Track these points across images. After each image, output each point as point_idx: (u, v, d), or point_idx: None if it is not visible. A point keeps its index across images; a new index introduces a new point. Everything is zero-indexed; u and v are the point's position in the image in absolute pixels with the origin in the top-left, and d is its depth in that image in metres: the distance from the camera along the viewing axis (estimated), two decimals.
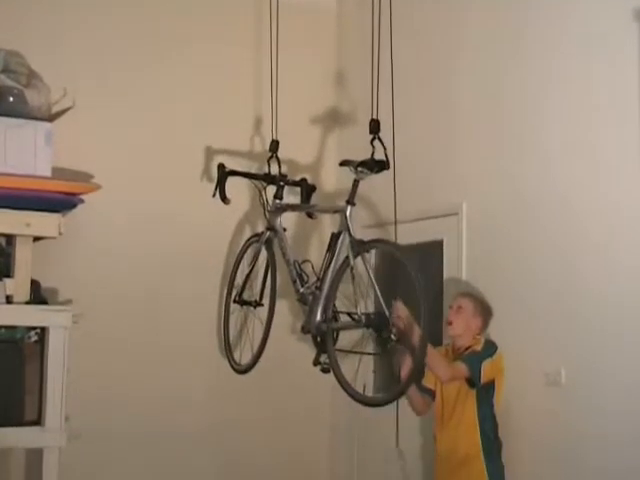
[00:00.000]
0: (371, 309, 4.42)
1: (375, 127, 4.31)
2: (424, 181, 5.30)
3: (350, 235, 4.40)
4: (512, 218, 4.83)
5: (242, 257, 5.33)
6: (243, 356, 5.21)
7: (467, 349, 4.56)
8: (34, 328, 4.51)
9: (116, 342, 5.11)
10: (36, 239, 4.65)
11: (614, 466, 4.25)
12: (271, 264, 5.09)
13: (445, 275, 5.18)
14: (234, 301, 5.29)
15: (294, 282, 4.77)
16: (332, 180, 5.80)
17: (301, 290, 4.69)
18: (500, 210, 4.90)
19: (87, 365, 4.88)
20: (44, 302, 4.65)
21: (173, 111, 5.42)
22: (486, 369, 4.47)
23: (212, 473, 5.41)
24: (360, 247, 4.36)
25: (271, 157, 5.25)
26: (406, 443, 4.50)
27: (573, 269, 4.51)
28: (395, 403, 4.39)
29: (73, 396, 4.54)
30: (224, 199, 5.04)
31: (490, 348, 4.55)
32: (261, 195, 5.20)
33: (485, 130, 5.02)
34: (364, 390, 4.33)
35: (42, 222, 4.55)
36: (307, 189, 5.14)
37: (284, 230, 5.04)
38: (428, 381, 4.65)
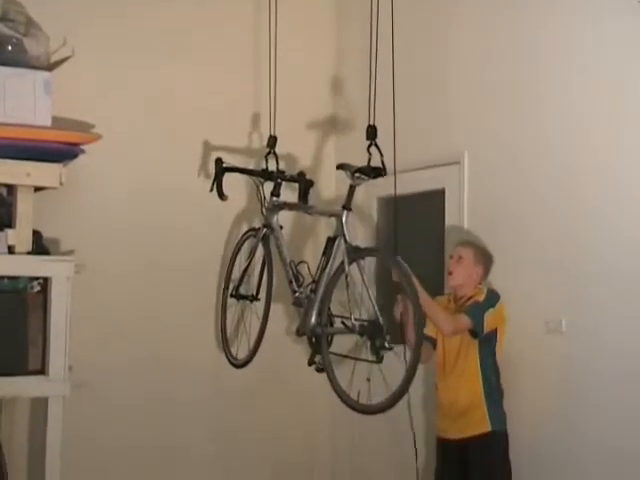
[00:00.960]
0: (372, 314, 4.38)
1: (372, 133, 4.31)
2: (425, 130, 5.27)
3: (346, 241, 4.42)
4: (514, 167, 4.82)
5: (239, 250, 5.33)
6: (241, 349, 5.23)
7: (469, 299, 4.57)
8: (36, 278, 4.50)
9: (118, 292, 5.13)
10: (37, 189, 4.63)
11: (614, 412, 4.29)
12: (267, 261, 5.09)
13: (447, 224, 5.18)
14: (231, 295, 5.30)
15: (290, 282, 4.80)
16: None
17: (296, 294, 4.71)
18: (502, 159, 4.88)
19: (90, 315, 4.90)
20: (46, 252, 4.64)
21: (173, 71, 5.37)
22: (489, 319, 4.49)
23: (214, 419, 5.46)
24: (355, 254, 4.38)
25: (269, 153, 5.22)
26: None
27: (574, 218, 4.51)
28: (403, 355, 4.40)
29: (76, 346, 4.55)
30: (221, 196, 5.03)
31: (492, 298, 4.56)
32: (258, 191, 5.19)
33: (487, 78, 4.98)
34: (358, 397, 4.35)
35: (43, 172, 4.53)
36: (305, 185, 5.06)
37: (281, 228, 5.04)
38: (430, 329, 4.66)
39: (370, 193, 5.44)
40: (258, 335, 5.02)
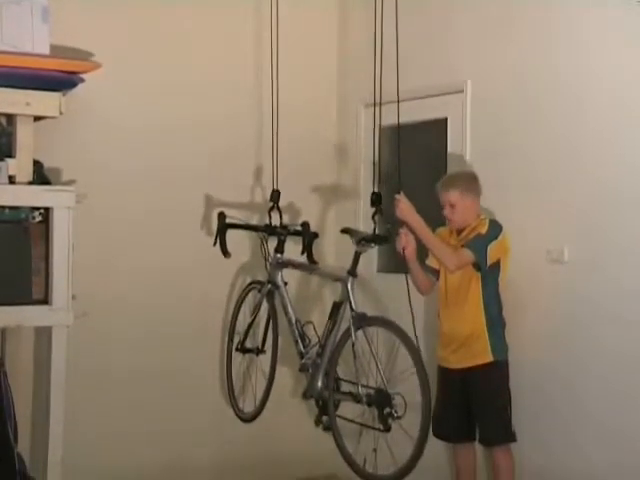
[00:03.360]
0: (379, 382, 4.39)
1: (377, 200, 4.31)
2: (428, 58, 5.22)
3: (352, 309, 4.43)
4: (517, 96, 4.79)
5: (242, 302, 5.32)
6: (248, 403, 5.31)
7: (472, 230, 4.53)
8: (38, 208, 4.48)
9: (120, 220, 5.14)
10: (37, 119, 4.60)
11: (614, 339, 4.33)
12: (272, 317, 5.09)
13: (449, 153, 5.15)
14: (236, 349, 5.30)
15: (296, 343, 4.83)
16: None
17: (303, 360, 4.74)
18: (505, 87, 4.85)
19: (92, 244, 4.91)
20: (47, 182, 4.61)
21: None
22: (492, 252, 4.47)
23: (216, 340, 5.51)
24: (361, 321, 4.38)
25: (272, 207, 5.17)
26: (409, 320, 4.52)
27: (578, 147, 4.50)
28: (405, 281, 4.42)
29: (79, 275, 4.56)
30: (225, 253, 5.02)
31: (495, 229, 4.53)
32: (262, 245, 5.16)
33: (491, 5, 4.92)
34: (364, 464, 4.39)
35: (42, 101, 4.48)
36: (309, 237, 5.00)
37: (285, 284, 5.02)
38: (432, 261, 4.67)
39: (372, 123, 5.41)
40: (265, 389, 5.06)
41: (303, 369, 4.74)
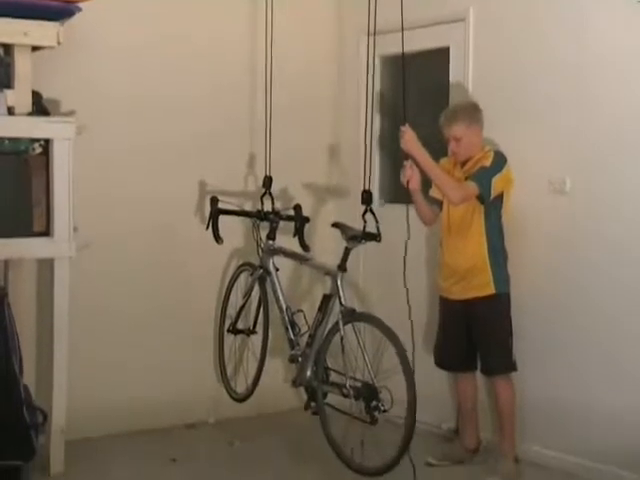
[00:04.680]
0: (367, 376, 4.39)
1: (367, 198, 4.26)
2: None
3: (341, 303, 4.43)
4: (520, 24, 4.74)
5: (233, 285, 5.31)
6: (240, 383, 5.34)
7: (476, 163, 4.51)
8: (38, 140, 4.45)
9: (120, 152, 5.08)
10: (35, 49, 4.54)
11: (614, 269, 4.37)
12: (263, 301, 5.09)
13: (451, 83, 5.10)
14: (228, 330, 5.30)
15: (286, 330, 4.84)
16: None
17: (292, 351, 4.76)
18: (508, 15, 4.80)
19: (94, 176, 4.88)
20: (46, 113, 4.57)
21: None
22: (496, 185, 4.45)
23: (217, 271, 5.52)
24: (350, 316, 4.40)
25: (264, 194, 5.15)
26: (411, 251, 4.52)
27: (581, 77, 4.48)
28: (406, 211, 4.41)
29: (80, 207, 4.55)
30: (217, 239, 5.02)
31: (499, 162, 4.50)
32: (254, 230, 5.14)
33: None
34: (352, 453, 4.40)
35: (40, 31, 4.42)
36: (301, 220, 4.98)
37: (277, 270, 5.01)
38: (435, 192, 4.65)
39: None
40: (257, 370, 5.10)
41: (293, 360, 4.78)
